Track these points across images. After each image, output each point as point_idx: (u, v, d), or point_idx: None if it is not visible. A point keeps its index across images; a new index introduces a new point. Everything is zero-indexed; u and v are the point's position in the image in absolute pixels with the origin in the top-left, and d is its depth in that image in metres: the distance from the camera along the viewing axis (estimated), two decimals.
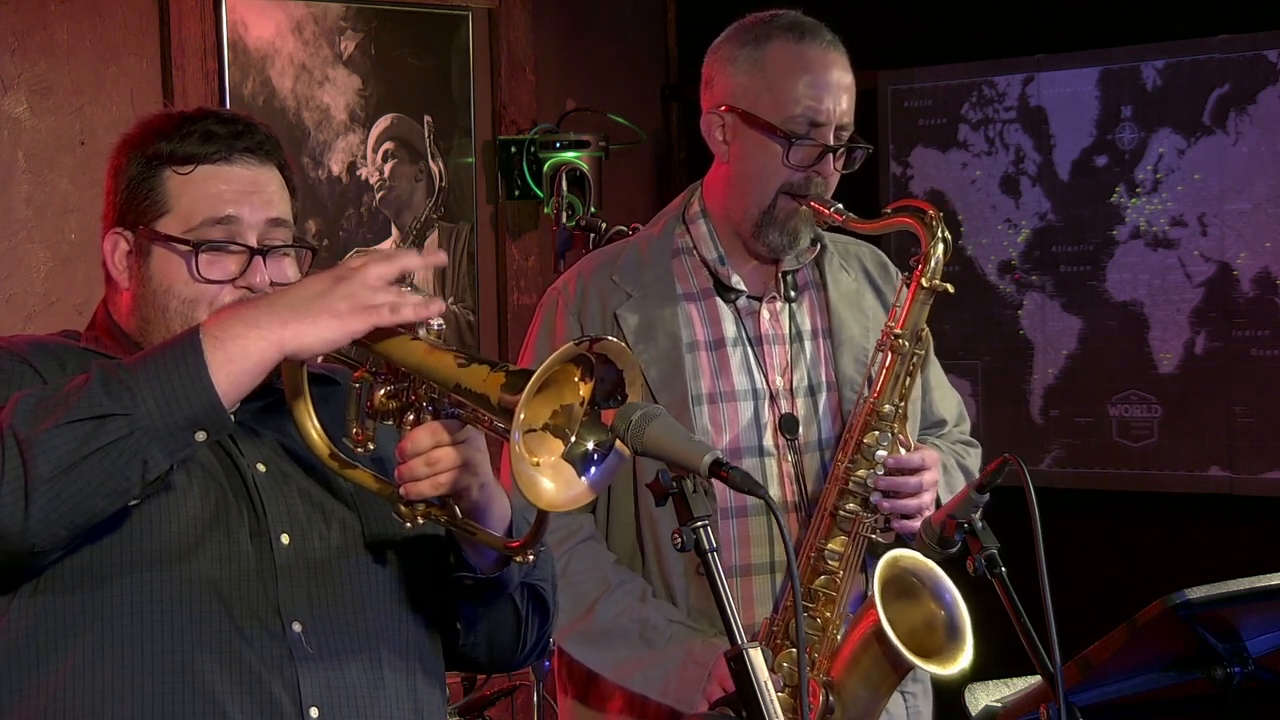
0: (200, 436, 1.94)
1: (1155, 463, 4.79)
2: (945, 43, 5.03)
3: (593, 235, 4.52)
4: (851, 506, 2.86)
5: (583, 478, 1.95)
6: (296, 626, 2.07)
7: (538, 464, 1.92)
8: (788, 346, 2.96)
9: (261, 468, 2.14)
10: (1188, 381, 4.74)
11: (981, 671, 2.81)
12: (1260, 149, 4.61)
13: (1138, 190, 4.79)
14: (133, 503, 1.96)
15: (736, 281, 2.94)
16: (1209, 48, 4.67)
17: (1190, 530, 4.74)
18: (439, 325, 2.02)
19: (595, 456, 1.95)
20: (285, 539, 2.10)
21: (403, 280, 2.01)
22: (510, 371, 1.90)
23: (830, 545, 2.86)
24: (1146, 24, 4.75)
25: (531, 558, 2.08)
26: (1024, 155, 4.94)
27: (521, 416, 1.85)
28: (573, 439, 1.94)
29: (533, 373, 1.86)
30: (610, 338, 1.93)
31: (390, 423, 2.06)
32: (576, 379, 1.94)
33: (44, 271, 4.08)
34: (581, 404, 1.94)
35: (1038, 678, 2.42)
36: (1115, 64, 4.80)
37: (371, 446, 2.08)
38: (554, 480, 1.93)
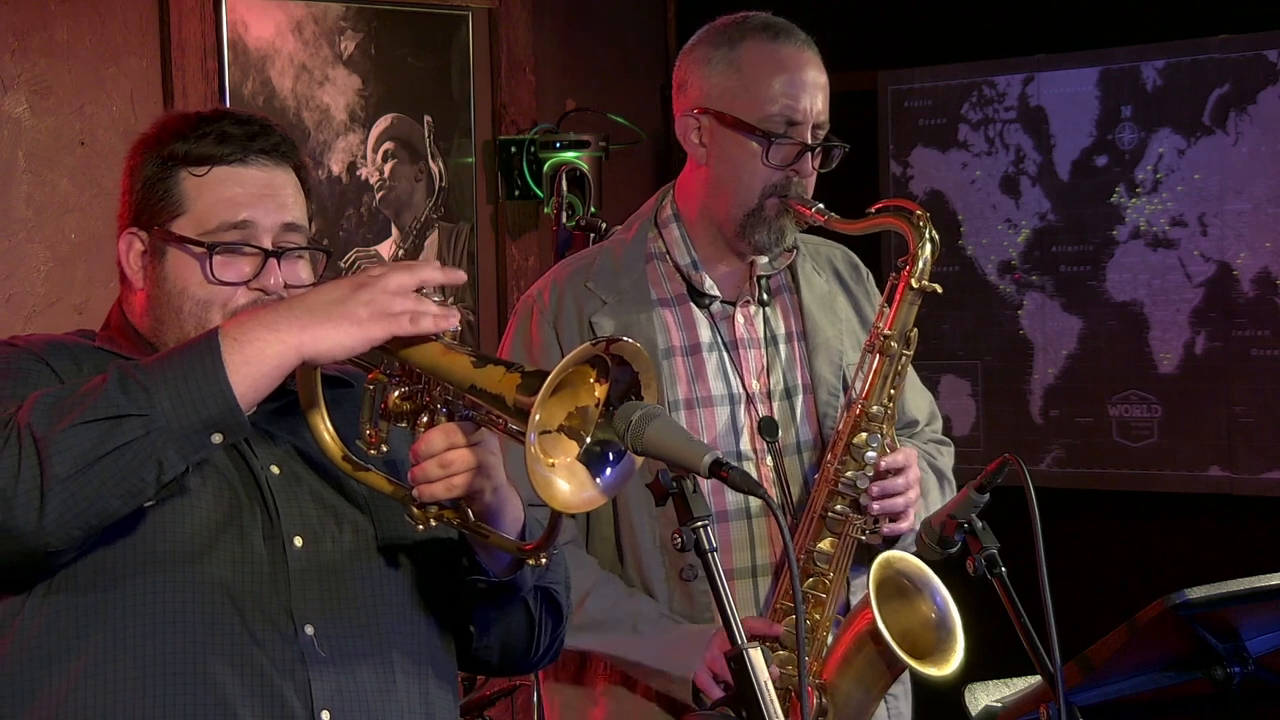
0: (216, 439, 1.94)
1: (1155, 463, 4.79)
2: (945, 43, 5.03)
3: (593, 235, 4.52)
4: (840, 508, 2.85)
5: (598, 479, 1.94)
6: (309, 629, 2.07)
7: (553, 465, 1.92)
8: (763, 350, 2.95)
9: (275, 470, 2.14)
10: (1188, 381, 4.74)
11: (981, 671, 2.81)
12: (1260, 149, 4.61)
13: (1138, 190, 4.79)
14: (148, 504, 1.96)
15: (710, 287, 2.93)
16: (1209, 48, 4.67)
17: (1190, 530, 4.74)
18: (454, 327, 2.02)
19: (610, 458, 1.95)
20: (298, 542, 2.11)
21: (420, 291, 2.01)
22: (526, 373, 1.90)
23: (819, 546, 2.86)
24: (1146, 24, 4.75)
25: (544, 560, 2.09)
26: (1024, 155, 4.94)
27: (537, 418, 1.85)
28: (587, 440, 1.94)
29: (548, 374, 1.85)
30: (626, 339, 1.93)
31: (404, 425, 2.06)
32: (591, 380, 1.93)
33: (44, 271, 4.07)
34: (597, 405, 1.94)
35: (1038, 678, 2.42)
36: (1115, 64, 4.80)
37: (385, 449, 2.08)
38: (569, 481, 1.93)
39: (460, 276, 2.14)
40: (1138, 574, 4.73)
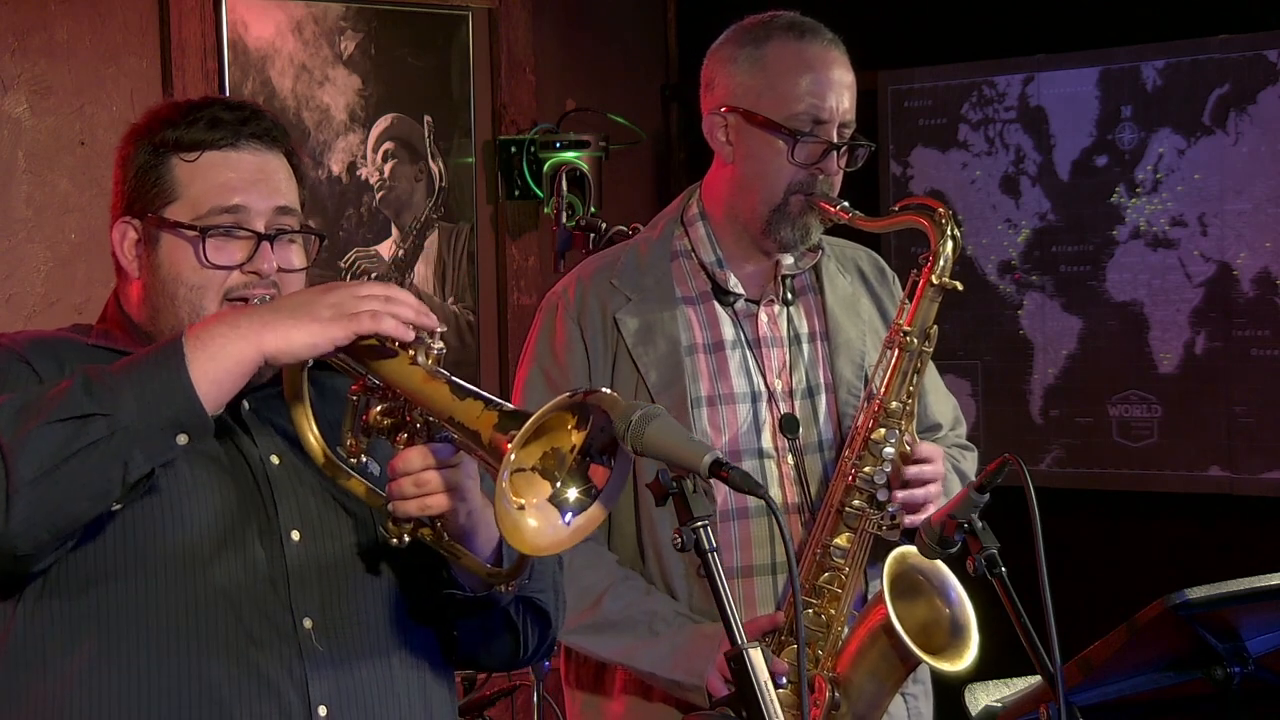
0: (182, 439, 1.94)
1: (1155, 463, 4.79)
2: (945, 43, 5.03)
3: (593, 235, 4.52)
4: (858, 503, 2.86)
5: (565, 522, 1.94)
6: (307, 623, 2.07)
7: (522, 506, 1.92)
8: (786, 349, 2.96)
9: (275, 460, 2.14)
10: (1188, 381, 4.74)
11: (981, 671, 2.81)
12: (1260, 149, 4.61)
13: (1138, 190, 4.79)
14: (115, 506, 1.95)
15: (734, 285, 2.94)
16: (1209, 48, 4.67)
17: (1190, 530, 4.74)
18: (440, 349, 2.01)
19: (580, 504, 1.95)
20: (296, 536, 2.10)
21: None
22: (504, 412, 1.90)
23: (836, 541, 2.87)
24: (1146, 24, 4.75)
25: (512, 588, 2.09)
26: (1024, 155, 4.94)
27: (512, 457, 1.85)
28: (559, 484, 1.94)
29: (526, 416, 1.85)
30: (605, 390, 1.93)
31: (384, 438, 2.06)
32: (570, 426, 1.94)
33: (44, 271, 4.08)
34: (572, 450, 1.94)
35: (1038, 678, 2.42)
36: (1115, 64, 4.80)
37: (364, 459, 2.08)
38: (538, 521, 1.93)
39: (431, 322, 2.03)
40: (1138, 574, 4.72)
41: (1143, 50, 4.75)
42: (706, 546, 2.01)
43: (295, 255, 2.18)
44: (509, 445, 1.84)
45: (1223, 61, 4.65)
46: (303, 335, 1.96)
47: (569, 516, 1.94)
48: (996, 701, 2.65)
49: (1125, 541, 4.84)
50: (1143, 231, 4.79)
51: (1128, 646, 2.41)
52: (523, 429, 1.84)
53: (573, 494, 1.95)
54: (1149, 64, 4.74)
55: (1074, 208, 4.88)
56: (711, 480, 1.96)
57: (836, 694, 2.82)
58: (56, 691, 2.00)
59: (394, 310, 1.98)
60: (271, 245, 2.14)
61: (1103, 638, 2.44)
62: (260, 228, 2.14)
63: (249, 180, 2.14)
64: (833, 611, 2.86)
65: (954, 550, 2.64)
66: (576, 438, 1.94)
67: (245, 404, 2.14)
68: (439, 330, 2.02)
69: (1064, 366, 4.92)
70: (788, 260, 2.95)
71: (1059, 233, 4.91)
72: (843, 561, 2.86)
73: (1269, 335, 4.62)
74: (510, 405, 1.92)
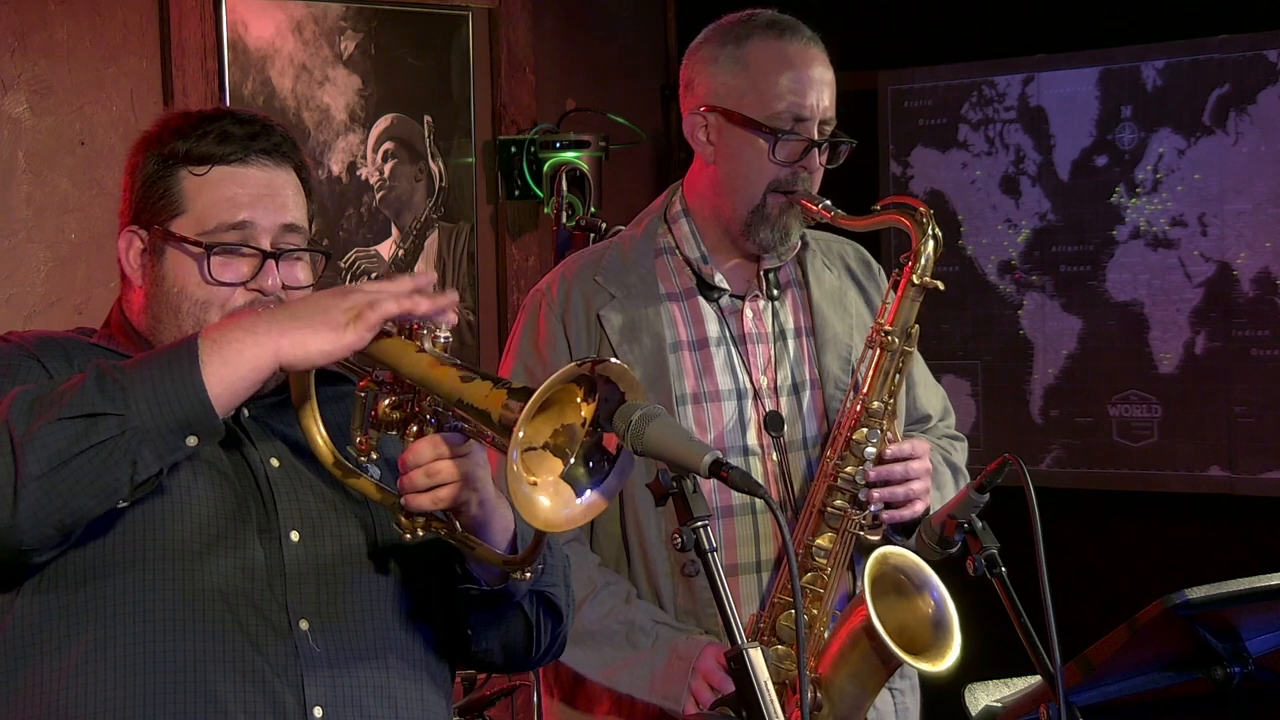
0: (191, 441, 1.94)
1: (1155, 463, 4.79)
2: (945, 43, 5.03)
3: (593, 235, 4.52)
4: (840, 503, 2.86)
5: (580, 499, 1.94)
6: (303, 624, 2.08)
7: (535, 483, 1.92)
8: (771, 345, 2.96)
9: (275, 463, 2.14)
10: (1188, 381, 4.74)
11: (981, 671, 2.81)
12: (1260, 149, 4.61)
13: (1138, 190, 4.79)
14: (122, 504, 1.95)
15: (719, 280, 2.94)
16: (1209, 48, 4.67)
17: (1190, 530, 4.74)
18: (446, 338, 2.02)
19: (594, 478, 1.95)
20: (295, 536, 2.11)
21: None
22: (513, 389, 1.90)
23: (818, 542, 2.87)
24: (1146, 24, 4.75)
25: (529, 575, 2.08)
26: (1024, 155, 4.94)
27: (520, 435, 1.85)
28: (572, 459, 1.94)
29: (534, 391, 1.85)
30: (613, 359, 1.93)
31: (394, 433, 2.06)
32: (579, 399, 1.93)
33: (44, 271, 4.07)
34: (583, 424, 1.94)
35: (1038, 678, 2.42)
36: (1115, 64, 4.80)
37: (374, 456, 2.08)
38: (552, 500, 1.93)
39: (449, 301, 2.07)
40: (1138, 574, 4.73)
41: (1143, 50, 4.75)
42: (707, 546, 2.01)
43: (301, 272, 2.18)
44: (517, 421, 1.84)
45: (1223, 61, 4.65)
46: (319, 343, 1.96)
47: (585, 490, 1.94)
48: (996, 701, 2.65)
49: (1125, 541, 4.84)
50: (1143, 231, 4.79)
51: (1128, 646, 2.41)
52: (529, 402, 1.84)
53: (586, 468, 1.95)
54: (1149, 64, 4.75)
55: (1074, 208, 4.88)
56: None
57: (818, 695, 2.82)
58: (52, 684, 2.00)
59: (412, 298, 1.99)
60: (277, 263, 2.14)
61: (1103, 638, 2.44)
62: (266, 245, 2.14)
63: (256, 197, 2.15)
64: (815, 612, 2.86)
65: (954, 550, 2.64)
66: (586, 410, 1.94)
67: (245, 411, 2.15)
68: (455, 302, 2.02)
69: (1064, 366, 4.92)
70: (772, 255, 2.95)
71: (1059, 233, 4.91)
72: (825, 562, 2.86)
73: (1269, 335, 4.62)
74: (519, 384, 1.92)
